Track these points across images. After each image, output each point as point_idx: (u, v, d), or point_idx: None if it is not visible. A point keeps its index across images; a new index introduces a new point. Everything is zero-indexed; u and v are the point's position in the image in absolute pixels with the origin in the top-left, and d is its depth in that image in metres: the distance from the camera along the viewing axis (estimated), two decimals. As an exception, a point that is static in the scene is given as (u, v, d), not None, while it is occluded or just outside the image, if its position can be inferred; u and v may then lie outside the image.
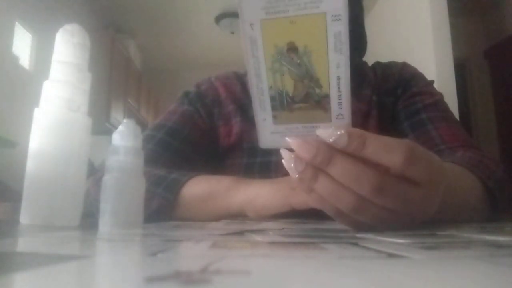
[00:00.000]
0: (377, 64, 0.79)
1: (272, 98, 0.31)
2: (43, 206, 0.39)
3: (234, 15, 3.36)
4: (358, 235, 0.29)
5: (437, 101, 0.71)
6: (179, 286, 0.12)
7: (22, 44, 2.37)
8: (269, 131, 0.33)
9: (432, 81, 0.77)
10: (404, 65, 0.78)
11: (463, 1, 2.88)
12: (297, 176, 0.30)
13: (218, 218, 0.52)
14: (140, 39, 3.82)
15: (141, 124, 3.28)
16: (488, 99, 3.25)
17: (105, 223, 0.37)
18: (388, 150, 0.28)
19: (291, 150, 0.31)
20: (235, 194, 0.54)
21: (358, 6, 0.73)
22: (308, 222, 0.42)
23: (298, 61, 0.29)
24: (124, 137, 0.39)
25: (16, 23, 2.29)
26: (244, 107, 0.72)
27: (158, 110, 4.42)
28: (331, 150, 0.29)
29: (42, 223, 0.39)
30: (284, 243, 0.25)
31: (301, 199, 0.47)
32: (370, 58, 0.79)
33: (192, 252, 0.21)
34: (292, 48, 0.29)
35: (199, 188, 0.56)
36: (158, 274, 0.14)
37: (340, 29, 0.28)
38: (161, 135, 0.68)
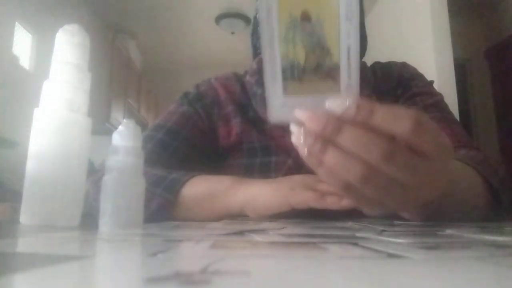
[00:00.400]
0: (377, 64, 0.79)
1: (284, 68, 0.32)
2: (43, 206, 0.39)
3: (234, 15, 3.36)
4: (358, 234, 0.28)
5: (437, 102, 0.71)
6: (179, 287, 0.12)
7: (22, 44, 2.37)
8: (279, 104, 0.33)
9: (432, 81, 0.76)
10: (404, 65, 0.77)
11: (463, 1, 2.88)
12: (306, 151, 0.31)
13: (218, 218, 0.52)
14: (140, 39, 3.82)
15: (141, 124, 3.28)
16: (488, 99, 3.25)
17: (105, 223, 0.37)
18: (396, 118, 0.29)
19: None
20: (235, 194, 0.54)
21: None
22: (308, 222, 0.42)
23: (311, 31, 0.31)
24: (124, 137, 0.39)
25: (16, 23, 2.29)
26: (243, 107, 0.72)
27: (158, 110, 4.42)
28: (340, 120, 0.29)
29: (42, 223, 0.39)
30: (284, 243, 0.25)
31: (301, 199, 0.47)
32: (370, 58, 0.79)
33: (192, 252, 0.21)
34: (305, 18, 0.30)
35: (199, 188, 0.56)
36: (158, 274, 0.14)
37: None
38: (161, 135, 0.68)
